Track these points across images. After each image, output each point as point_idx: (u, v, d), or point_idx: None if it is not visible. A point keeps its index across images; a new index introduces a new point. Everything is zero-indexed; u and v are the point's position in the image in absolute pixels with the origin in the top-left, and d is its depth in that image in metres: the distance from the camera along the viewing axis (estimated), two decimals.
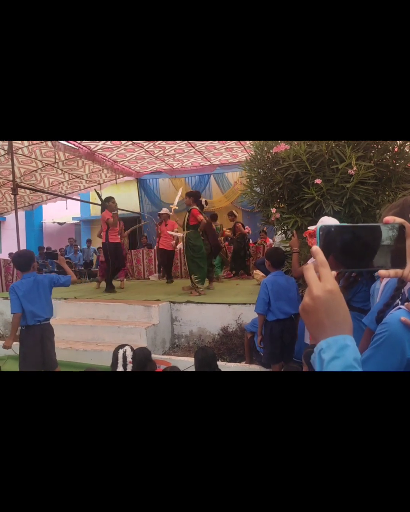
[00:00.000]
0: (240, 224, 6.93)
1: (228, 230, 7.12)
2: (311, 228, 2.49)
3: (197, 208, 4.74)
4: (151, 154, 7.15)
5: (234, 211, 7.14)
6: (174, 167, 8.15)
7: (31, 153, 6.02)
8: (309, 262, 2.63)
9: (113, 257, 5.23)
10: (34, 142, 5.61)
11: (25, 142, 5.59)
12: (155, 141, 6.33)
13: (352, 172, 2.66)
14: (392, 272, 0.56)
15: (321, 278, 0.52)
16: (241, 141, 6.53)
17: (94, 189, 7.20)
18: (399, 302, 0.88)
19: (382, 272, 0.56)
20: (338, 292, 0.51)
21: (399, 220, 0.55)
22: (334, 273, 0.53)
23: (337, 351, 0.49)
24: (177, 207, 5.56)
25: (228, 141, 6.57)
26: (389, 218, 0.55)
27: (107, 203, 5.23)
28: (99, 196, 6.65)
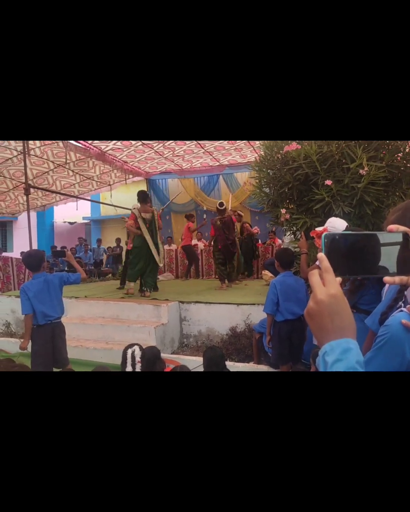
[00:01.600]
0: (247, 224, 6.92)
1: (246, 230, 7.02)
2: (318, 229, 2.48)
3: (135, 211, 4.69)
4: (161, 155, 7.19)
5: (239, 212, 7.11)
6: (183, 168, 8.18)
7: (43, 153, 6.10)
8: (317, 263, 2.62)
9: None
10: (46, 142, 5.68)
11: (37, 143, 5.67)
12: (164, 141, 6.36)
13: (363, 172, 2.65)
14: (397, 279, 0.57)
15: (325, 283, 0.54)
16: (250, 141, 6.52)
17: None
18: (402, 305, 0.88)
19: (387, 279, 0.57)
20: (341, 297, 0.53)
21: (402, 228, 0.56)
22: (338, 279, 0.54)
23: (340, 353, 0.51)
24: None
25: (237, 141, 6.58)
26: (393, 227, 0.56)
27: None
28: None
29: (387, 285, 1.28)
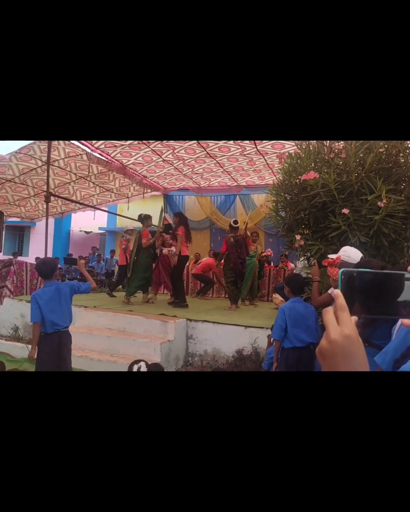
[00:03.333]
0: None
1: (264, 254, 6.94)
2: (331, 256, 2.46)
3: (148, 229, 5.42)
4: (180, 172, 7.31)
5: (257, 231, 7.06)
6: (201, 186, 8.29)
7: (67, 165, 6.27)
8: (329, 292, 2.58)
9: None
10: (70, 154, 5.86)
11: (62, 154, 5.85)
12: (184, 159, 6.48)
13: (381, 204, 2.64)
14: None
15: (339, 322, 0.52)
16: (268, 164, 6.59)
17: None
18: None
19: (406, 321, 0.55)
20: (356, 337, 0.51)
21: None
22: (354, 318, 0.52)
23: None
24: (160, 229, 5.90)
25: (256, 162, 6.65)
26: None
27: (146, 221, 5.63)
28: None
29: (398, 323, 1.26)
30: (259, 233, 7.00)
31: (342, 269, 0.55)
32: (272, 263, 7.67)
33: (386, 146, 2.91)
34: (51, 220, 9.95)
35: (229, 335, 3.99)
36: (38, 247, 11.60)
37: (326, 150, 3.19)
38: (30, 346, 2.84)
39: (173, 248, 5.56)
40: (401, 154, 2.93)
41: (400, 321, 1.21)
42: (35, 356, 2.75)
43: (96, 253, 10.96)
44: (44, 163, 5.88)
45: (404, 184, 2.90)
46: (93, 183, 7.29)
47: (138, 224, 5.91)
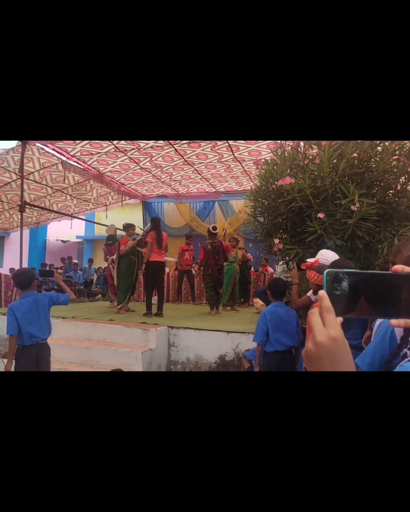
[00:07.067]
0: (244, 250, 6.94)
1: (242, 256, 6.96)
2: (310, 260, 2.51)
3: (128, 237, 5.37)
4: (158, 179, 7.31)
5: (236, 237, 7.12)
6: (180, 192, 8.31)
7: (42, 178, 6.16)
8: (308, 294, 2.63)
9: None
10: (46, 165, 5.76)
11: (37, 166, 5.74)
12: (162, 166, 6.49)
13: (355, 208, 2.71)
14: (402, 322, 0.54)
15: (325, 324, 0.50)
16: (246, 170, 6.69)
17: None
18: (407, 353, 0.84)
19: (393, 322, 0.55)
20: (342, 340, 0.50)
21: (407, 269, 0.54)
22: (339, 319, 0.51)
23: None
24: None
25: (233, 169, 6.74)
26: (398, 267, 0.54)
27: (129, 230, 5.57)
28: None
29: (376, 324, 1.28)
30: (239, 239, 7.05)
31: (327, 270, 0.54)
32: (252, 267, 7.74)
33: (358, 152, 3.01)
34: (26, 230, 9.71)
35: (211, 341, 3.98)
36: (12, 258, 11.28)
37: (300, 157, 3.27)
38: (6, 360, 2.75)
39: (114, 257, 5.57)
40: (372, 160, 3.03)
41: (378, 321, 1.23)
42: (11, 368, 2.66)
43: (71, 263, 10.71)
44: (18, 177, 5.76)
45: (376, 189, 3.00)
46: (70, 195, 7.19)
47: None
